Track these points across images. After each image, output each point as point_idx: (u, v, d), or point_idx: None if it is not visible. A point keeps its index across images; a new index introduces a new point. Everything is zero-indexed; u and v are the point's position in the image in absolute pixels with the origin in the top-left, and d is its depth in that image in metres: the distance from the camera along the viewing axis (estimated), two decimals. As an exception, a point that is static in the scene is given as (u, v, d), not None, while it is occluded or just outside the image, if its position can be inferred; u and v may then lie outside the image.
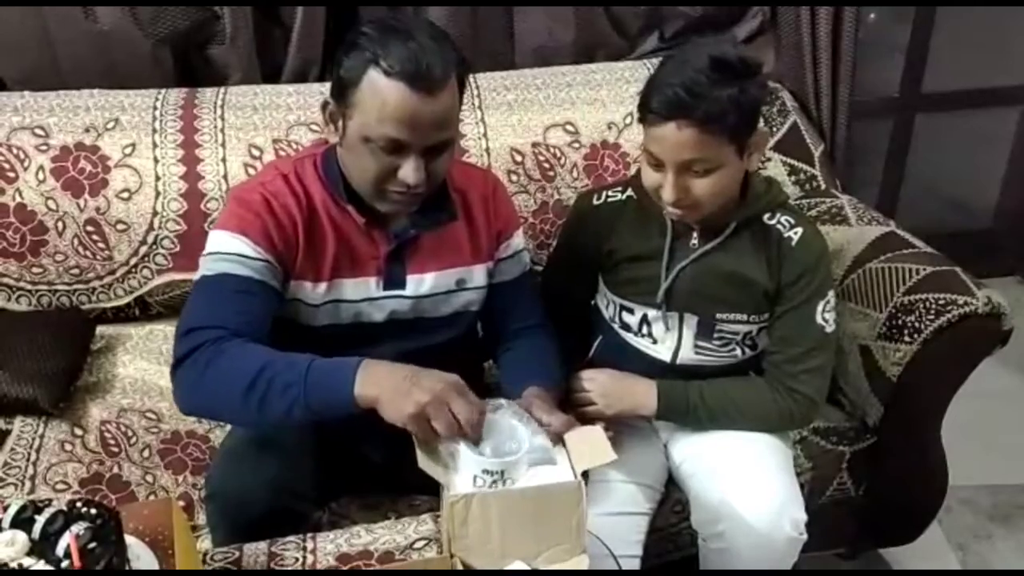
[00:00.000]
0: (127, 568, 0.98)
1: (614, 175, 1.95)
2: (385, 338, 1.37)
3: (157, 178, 1.82)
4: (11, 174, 1.79)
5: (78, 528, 0.96)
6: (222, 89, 1.95)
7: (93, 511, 1.00)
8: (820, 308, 1.42)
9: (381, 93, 1.18)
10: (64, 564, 0.93)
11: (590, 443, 1.20)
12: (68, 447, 1.59)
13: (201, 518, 1.46)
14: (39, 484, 1.51)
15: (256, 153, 1.85)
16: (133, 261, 1.83)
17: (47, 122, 1.82)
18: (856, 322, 1.66)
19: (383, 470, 1.49)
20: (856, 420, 1.69)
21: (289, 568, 1.21)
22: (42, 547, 0.96)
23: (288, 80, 2.04)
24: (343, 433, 1.40)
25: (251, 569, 1.21)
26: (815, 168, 2.07)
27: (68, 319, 1.81)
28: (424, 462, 1.13)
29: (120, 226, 1.81)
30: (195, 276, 1.30)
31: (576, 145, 1.96)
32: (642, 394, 1.45)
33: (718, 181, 1.31)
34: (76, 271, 1.83)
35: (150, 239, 1.82)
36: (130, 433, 1.64)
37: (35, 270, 1.82)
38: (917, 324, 1.56)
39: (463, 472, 1.14)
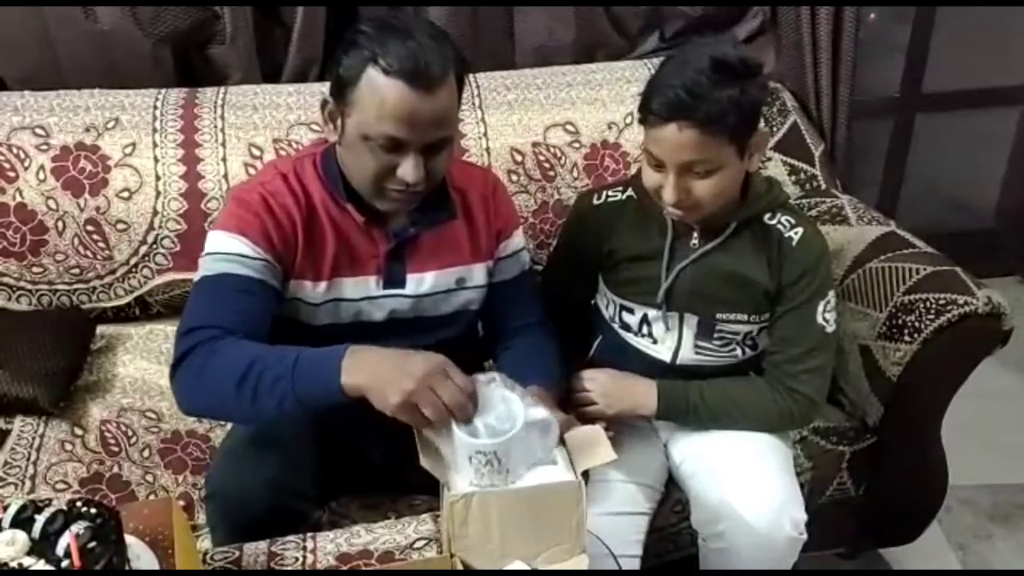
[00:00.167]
0: (127, 568, 0.98)
1: (614, 175, 1.95)
2: (385, 337, 1.36)
3: (157, 178, 1.82)
4: (11, 174, 1.79)
5: (78, 528, 0.96)
6: (222, 89, 1.95)
7: (93, 511, 1.00)
8: (821, 308, 1.42)
9: (380, 91, 1.18)
10: (64, 564, 0.93)
11: (590, 443, 1.20)
12: (68, 447, 1.59)
13: (201, 518, 1.46)
14: (39, 484, 1.51)
15: (256, 153, 1.85)
16: (133, 261, 1.83)
17: (47, 122, 1.82)
18: (856, 322, 1.66)
19: (384, 469, 1.49)
20: (856, 420, 1.69)
21: (289, 568, 1.21)
22: (42, 547, 0.96)
23: (288, 80, 2.04)
24: (344, 431, 1.40)
25: (251, 569, 1.21)
26: (815, 168, 2.07)
27: (68, 319, 1.81)
28: (426, 460, 1.13)
29: (120, 226, 1.81)
30: (195, 276, 1.30)
31: (576, 145, 1.96)
32: (642, 394, 1.45)
33: (719, 182, 1.31)
34: (76, 271, 1.83)
35: (150, 239, 1.82)
36: (130, 433, 1.64)
37: (35, 270, 1.82)
38: (917, 324, 1.56)
39: (459, 454, 1.12)
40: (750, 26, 2.21)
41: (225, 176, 1.83)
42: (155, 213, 1.81)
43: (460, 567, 1.12)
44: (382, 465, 1.48)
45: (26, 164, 1.80)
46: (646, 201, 1.43)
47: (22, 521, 0.98)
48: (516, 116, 1.96)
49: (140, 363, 1.79)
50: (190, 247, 1.79)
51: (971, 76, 2.71)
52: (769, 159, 2.04)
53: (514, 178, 1.92)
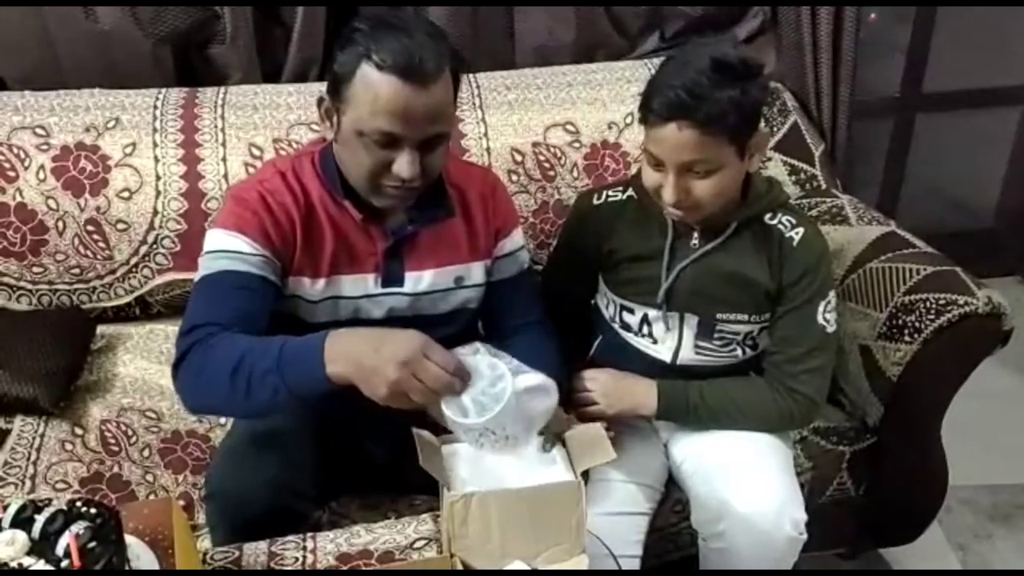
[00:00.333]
0: (127, 567, 0.98)
1: (614, 175, 1.95)
2: None
3: (157, 177, 1.82)
4: (12, 173, 1.79)
5: (78, 527, 0.96)
6: (222, 89, 1.95)
7: (93, 510, 1.00)
8: (821, 308, 1.42)
9: (374, 86, 1.19)
10: (64, 564, 0.93)
11: (590, 442, 1.21)
12: (68, 446, 1.59)
13: (201, 517, 1.46)
14: (39, 483, 1.51)
15: (256, 153, 1.85)
16: (133, 260, 1.83)
17: (48, 122, 1.82)
18: (856, 322, 1.66)
19: (384, 469, 1.49)
20: (856, 420, 1.69)
21: (289, 568, 1.21)
22: (42, 546, 0.96)
23: (288, 80, 2.04)
24: (344, 431, 1.40)
25: (251, 569, 1.21)
26: (816, 168, 2.07)
27: (68, 318, 1.81)
28: (425, 461, 1.13)
29: (120, 225, 1.81)
30: (195, 276, 1.30)
31: (576, 145, 1.96)
32: (642, 394, 1.45)
33: (719, 182, 1.31)
34: (76, 270, 1.83)
35: (150, 238, 1.82)
36: (130, 432, 1.64)
37: (35, 269, 1.82)
38: (917, 324, 1.56)
39: (456, 432, 1.12)
40: (750, 26, 2.21)
41: (225, 176, 1.83)
42: (155, 213, 1.81)
43: (460, 567, 1.12)
44: (382, 465, 1.49)
45: (26, 164, 1.80)
46: (646, 201, 1.43)
47: (22, 521, 0.98)
48: (516, 116, 1.96)
49: (140, 363, 1.79)
50: (190, 247, 1.79)
51: (971, 76, 2.71)
52: (769, 159, 2.04)
53: (514, 178, 1.92)
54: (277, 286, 1.31)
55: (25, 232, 1.79)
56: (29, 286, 1.83)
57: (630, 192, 1.50)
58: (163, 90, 1.93)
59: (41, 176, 1.79)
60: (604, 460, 1.18)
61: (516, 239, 1.48)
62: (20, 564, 0.93)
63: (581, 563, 1.14)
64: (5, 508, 1.00)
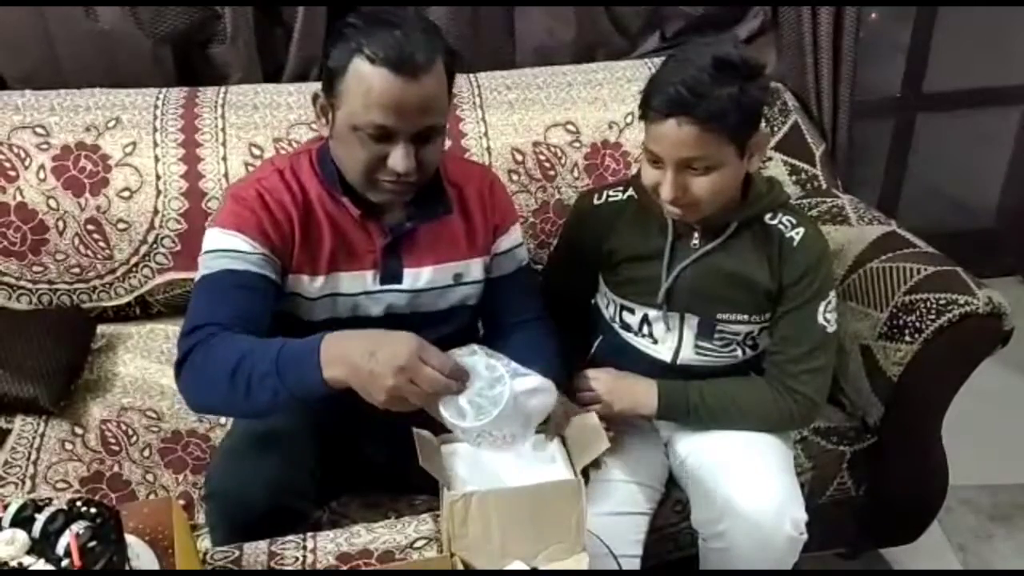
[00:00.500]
0: (127, 567, 0.98)
1: (615, 174, 1.95)
2: None
3: (158, 177, 1.82)
4: (12, 173, 1.79)
5: (78, 527, 0.96)
6: (223, 88, 1.95)
7: (93, 510, 0.99)
8: (822, 308, 1.41)
9: (366, 80, 1.19)
10: (64, 563, 0.93)
11: (586, 433, 1.20)
12: (68, 446, 1.59)
13: (201, 517, 1.46)
14: (39, 483, 1.51)
15: (257, 152, 1.85)
16: (134, 260, 1.83)
17: (48, 121, 1.82)
18: (857, 322, 1.66)
19: (384, 469, 1.49)
20: (857, 420, 1.69)
21: (289, 567, 1.21)
22: (42, 546, 0.96)
23: (289, 79, 2.04)
24: (344, 431, 1.40)
25: (251, 569, 1.21)
26: (816, 168, 2.07)
27: (69, 318, 1.81)
28: (425, 460, 1.13)
29: (121, 225, 1.81)
30: (195, 275, 1.30)
31: (577, 144, 1.96)
32: (642, 394, 1.45)
33: (717, 180, 1.31)
34: (77, 270, 1.83)
35: (151, 238, 1.82)
36: (130, 432, 1.64)
37: (36, 269, 1.82)
38: (918, 324, 1.56)
39: (454, 432, 1.13)
40: (751, 26, 2.21)
41: (226, 175, 1.83)
42: (156, 212, 1.81)
43: (460, 567, 1.12)
44: (382, 465, 1.49)
45: (27, 163, 1.80)
46: (647, 201, 1.43)
47: (22, 520, 0.98)
48: (517, 116, 1.96)
49: (140, 362, 1.79)
50: (191, 246, 1.79)
51: (972, 76, 2.71)
52: (770, 159, 2.04)
53: (515, 178, 1.92)
54: (278, 284, 1.31)
55: (25, 231, 1.79)
56: (29, 285, 1.83)
57: (630, 192, 1.50)
58: (163, 90, 1.93)
59: (41, 175, 1.79)
60: (600, 450, 1.17)
61: (514, 236, 1.49)
62: (20, 563, 0.93)
63: (581, 562, 1.14)
64: (5, 507, 1.00)
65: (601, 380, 1.46)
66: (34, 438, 1.59)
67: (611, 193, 1.52)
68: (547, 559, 1.14)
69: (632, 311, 1.50)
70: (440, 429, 1.20)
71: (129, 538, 1.02)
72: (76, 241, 1.81)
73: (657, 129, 1.30)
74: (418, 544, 1.25)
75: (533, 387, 1.14)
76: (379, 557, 1.23)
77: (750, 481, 1.37)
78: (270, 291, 1.30)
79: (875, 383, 1.63)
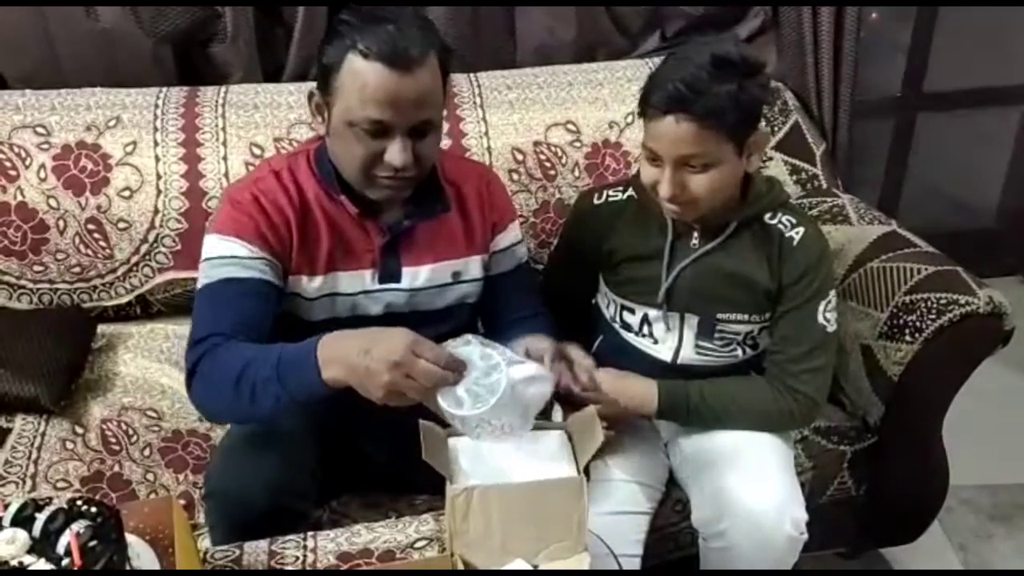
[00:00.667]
0: (127, 566, 0.98)
1: (615, 174, 1.95)
2: None
3: (158, 176, 1.82)
4: (12, 172, 1.79)
5: (79, 526, 0.96)
6: (223, 88, 1.95)
7: (94, 509, 1.00)
8: (822, 308, 1.41)
9: (360, 75, 1.19)
10: (64, 562, 0.93)
11: (586, 428, 1.21)
12: (69, 445, 1.59)
13: (201, 517, 1.46)
14: (40, 482, 1.51)
15: (257, 152, 1.85)
16: (134, 259, 1.83)
17: (48, 120, 1.82)
18: (857, 321, 1.66)
19: (384, 468, 1.49)
20: (857, 420, 1.69)
21: (289, 567, 1.21)
22: (43, 545, 0.96)
23: (289, 79, 2.04)
24: (344, 431, 1.40)
25: (251, 569, 1.21)
26: (816, 167, 2.07)
27: (69, 317, 1.81)
28: (428, 454, 1.13)
29: (121, 224, 1.81)
30: (196, 275, 1.31)
31: (577, 144, 1.96)
32: (643, 393, 1.45)
33: (715, 177, 1.31)
34: (77, 269, 1.83)
35: (151, 237, 1.82)
36: (131, 431, 1.64)
37: (36, 268, 1.82)
38: (918, 323, 1.56)
39: (452, 423, 1.13)
40: (751, 25, 2.21)
41: (226, 175, 1.83)
42: (156, 212, 1.81)
43: (461, 567, 1.12)
44: (382, 464, 1.49)
45: (27, 163, 1.80)
46: (647, 201, 1.43)
47: (23, 520, 0.98)
48: (517, 115, 1.95)
49: (141, 362, 1.79)
50: (191, 246, 1.78)
51: (972, 76, 2.71)
52: (770, 159, 2.04)
53: (515, 177, 1.92)
54: (279, 287, 1.32)
55: (26, 231, 1.79)
56: (30, 285, 1.83)
57: (630, 192, 1.50)
58: (164, 89, 1.93)
59: (42, 175, 1.79)
60: (597, 446, 1.17)
61: (513, 233, 1.49)
62: (21, 563, 0.94)
63: (583, 562, 1.14)
64: (6, 507, 1.00)
65: (601, 380, 1.45)
66: (35, 437, 1.59)
67: (611, 193, 1.52)
68: (548, 558, 1.14)
69: (632, 311, 1.50)
70: (443, 425, 1.21)
71: (129, 537, 1.02)
72: (77, 240, 1.81)
73: (655, 126, 1.30)
74: (419, 544, 1.25)
75: (530, 375, 1.15)
76: (380, 557, 1.23)
77: (750, 481, 1.37)
78: (271, 295, 1.30)
79: (875, 383, 1.63)
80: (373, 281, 1.37)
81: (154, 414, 1.68)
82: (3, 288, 1.82)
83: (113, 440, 1.62)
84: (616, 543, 1.30)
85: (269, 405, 1.17)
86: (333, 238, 1.34)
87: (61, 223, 1.80)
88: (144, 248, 1.83)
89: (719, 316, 1.45)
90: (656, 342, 1.50)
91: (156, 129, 1.84)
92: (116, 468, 1.56)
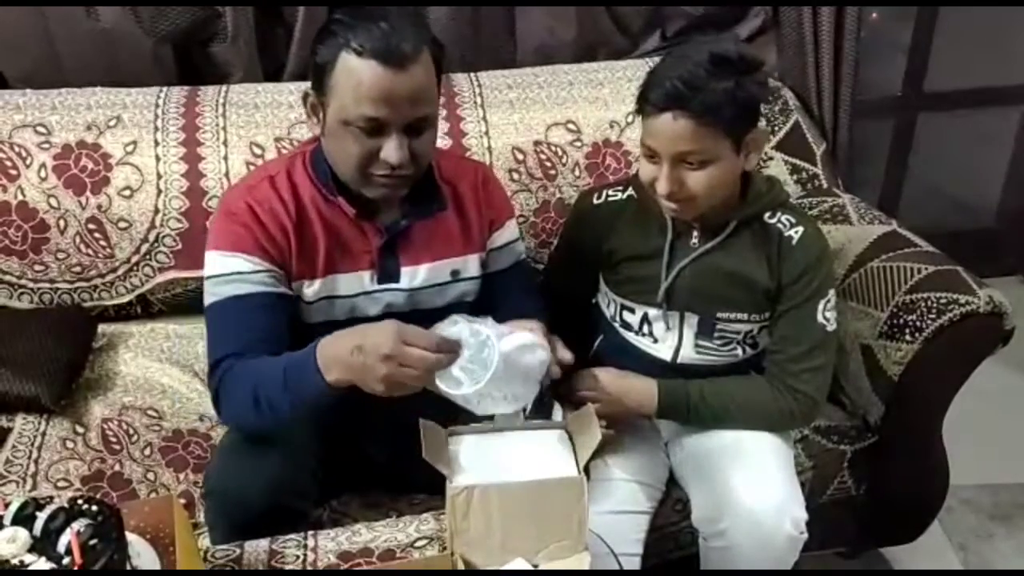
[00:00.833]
0: (128, 565, 0.98)
1: (616, 174, 1.95)
2: None
3: (159, 176, 1.82)
4: (13, 172, 1.79)
5: (79, 525, 0.96)
6: (224, 87, 1.95)
7: (94, 508, 1.00)
8: (821, 307, 1.41)
9: (354, 74, 1.19)
10: (65, 561, 0.93)
11: (585, 427, 1.21)
12: (69, 444, 1.59)
13: (202, 516, 1.46)
14: (40, 481, 1.51)
15: (258, 151, 1.85)
16: (135, 259, 1.83)
17: (49, 120, 1.82)
18: (858, 321, 1.66)
19: (384, 468, 1.49)
20: (857, 419, 1.69)
21: (290, 566, 1.21)
22: (43, 544, 0.96)
23: (290, 78, 2.04)
24: (344, 430, 1.40)
25: (252, 569, 1.21)
26: (817, 167, 2.07)
27: (70, 317, 1.81)
28: (428, 452, 1.13)
29: (122, 224, 1.81)
30: (204, 300, 1.32)
31: (578, 144, 1.96)
32: (643, 393, 1.45)
33: (713, 175, 1.31)
34: (78, 269, 1.83)
35: (152, 237, 1.82)
36: (131, 431, 1.64)
37: (37, 268, 1.82)
38: (919, 323, 1.56)
39: (457, 402, 1.15)
40: (752, 25, 2.21)
41: (227, 174, 1.83)
42: (156, 211, 1.82)
43: (461, 566, 1.12)
44: (383, 464, 1.49)
45: (28, 162, 1.80)
46: (647, 200, 1.43)
47: (23, 518, 0.98)
48: (518, 115, 1.96)
49: (141, 361, 1.79)
50: (192, 245, 1.79)
51: (973, 75, 2.71)
52: (771, 158, 2.04)
53: (516, 177, 1.92)
54: (287, 294, 1.32)
55: (26, 230, 1.80)
56: (30, 284, 1.83)
57: (630, 191, 1.50)
58: (164, 88, 1.93)
59: (42, 174, 1.80)
60: (596, 444, 1.18)
61: (510, 231, 1.49)
62: (21, 561, 0.94)
63: (583, 561, 1.14)
64: (7, 505, 1.00)
65: (601, 379, 1.46)
66: (35, 437, 1.59)
67: (611, 192, 1.52)
68: (548, 557, 1.14)
69: (632, 310, 1.50)
70: (447, 423, 1.22)
71: (130, 536, 1.03)
72: (77, 240, 1.81)
73: (653, 123, 1.30)
74: (419, 543, 1.25)
75: (521, 343, 1.16)
76: (380, 556, 1.23)
77: (750, 480, 1.37)
78: (280, 305, 1.31)
79: (876, 382, 1.63)
80: (372, 282, 1.38)
81: (155, 413, 1.68)
82: (4, 287, 1.82)
83: (114, 439, 1.62)
84: (616, 542, 1.30)
85: (289, 415, 1.22)
86: (330, 240, 1.34)
87: (62, 222, 1.80)
88: (145, 248, 1.83)
89: (719, 315, 1.45)
90: (656, 341, 1.50)
91: (157, 129, 1.84)
92: (117, 467, 1.57)
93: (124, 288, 1.86)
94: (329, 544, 1.25)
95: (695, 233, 1.44)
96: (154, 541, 1.07)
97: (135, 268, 1.84)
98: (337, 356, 1.15)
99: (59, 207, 1.80)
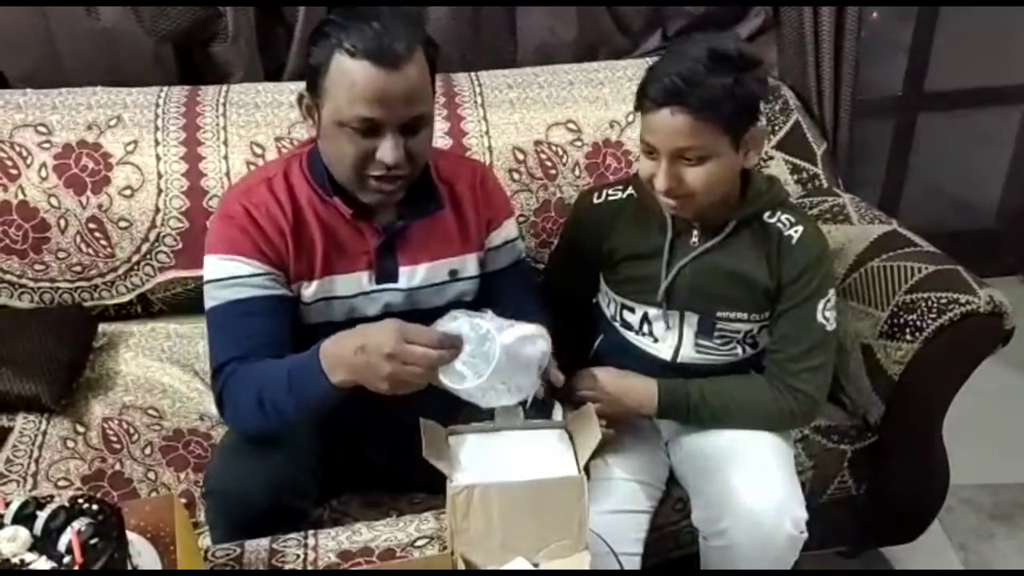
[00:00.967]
0: (128, 564, 0.98)
1: (616, 173, 1.95)
2: None
3: (159, 175, 1.82)
4: (14, 171, 1.79)
5: (80, 524, 0.97)
6: (224, 87, 1.95)
7: (95, 507, 1.00)
8: (821, 306, 1.41)
9: (348, 74, 1.19)
10: (66, 560, 0.93)
11: (585, 426, 1.21)
12: (70, 444, 1.59)
13: (202, 515, 1.46)
14: (41, 481, 1.51)
15: (258, 151, 1.85)
16: (135, 258, 1.83)
17: (49, 119, 1.83)
18: (858, 321, 1.66)
19: (385, 469, 1.49)
20: (857, 419, 1.69)
21: (290, 565, 1.21)
22: (44, 543, 0.96)
23: (290, 78, 2.04)
24: (344, 430, 1.40)
25: (252, 569, 1.21)
26: (817, 167, 2.07)
27: (70, 316, 1.81)
28: (429, 452, 1.13)
29: (122, 223, 1.81)
30: (204, 303, 1.32)
31: (578, 143, 1.96)
32: (643, 393, 1.45)
33: (711, 171, 1.31)
34: (78, 268, 1.83)
35: (152, 236, 1.82)
36: (132, 430, 1.64)
37: (37, 267, 1.82)
38: (919, 323, 1.56)
39: (462, 396, 1.15)
40: (752, 25, 2.21)
41: (227, 174, 1.83)
42: (157, 211, 1.82)
43: (461, 565, 1.12)
44: (383, 465, 1.49)
45: (28, 162, 1.80)
46: (647, 199, 1.43)
47: (24, 517, 0.98)
48: (518, 115, 1.96)
49: (142, 360, 1.79)
50: (192, 245, 1.79)
51: (974, 75, 2.71)
52: (771, 158, 2.04)
53: (516, 176, 1.92)
54: (287, 297, 1.32)
55: (27, 230, 1.80)
56: (31, 284, 1.83)
57: (630, 191, 1.50)
58: (165, 88, 1.93)
59: (43, 174, 1.80)
60: (595, 443, 1.18)
61: (508, 230, 1.48)
62: (22, 560, 0.94)
63: (583, 560, 1.14)
64: (7, 504, 1.00)
65: (602, 379, 1.46)
66: (36, 436, 1.59)
67: (611, 192, 1.52)
68: (549, 556, 1.14)
69: (632, 310, 1.50)
70: (448, 422, 1.22)
71: (130, 535, 1.03)
72: (78, 239, 1.81)
73: (651, 119, 1.30)
74: (419, 542, 1.25)
75: (522, 335, 1.17)
76: (380, 555, 1.23)
77: (751, 479, 1.37)
78: (280, 307, 1.31)
79: (876, 382, 1.63)
80: (370, 282, 1.37)
81: (155, 413, 1.68)
82: (4, 287, 1.82)
83: (114, 439, 1.62)
84: (616, 542, 1.30)
85: (295, 417, 1.23)
86: (327, 240, 1.34)
87: (62, 222, 1.80)
88: (145, 247, 1.83)
89: (719, 314, 1.45)
90: (656, 341, 1.50)
91: (157, 128, 1.84)
92: (117, 467, 1.57)
93: (124, 287, 1.86)
94: (329, 543, 1.25)
95: (695, 232, 1.44)
96: (155, 540, 1.07)
97: (135, 267, 1.84)
98: (340, 357, 1.15)
99: (60, 206, 1.80)
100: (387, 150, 1.23)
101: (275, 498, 1.27)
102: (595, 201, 1.53)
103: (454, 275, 1.42)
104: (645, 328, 1.50)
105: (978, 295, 1.55)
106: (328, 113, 1.23)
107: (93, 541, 0.95)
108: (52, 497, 1.02)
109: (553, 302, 1.53)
